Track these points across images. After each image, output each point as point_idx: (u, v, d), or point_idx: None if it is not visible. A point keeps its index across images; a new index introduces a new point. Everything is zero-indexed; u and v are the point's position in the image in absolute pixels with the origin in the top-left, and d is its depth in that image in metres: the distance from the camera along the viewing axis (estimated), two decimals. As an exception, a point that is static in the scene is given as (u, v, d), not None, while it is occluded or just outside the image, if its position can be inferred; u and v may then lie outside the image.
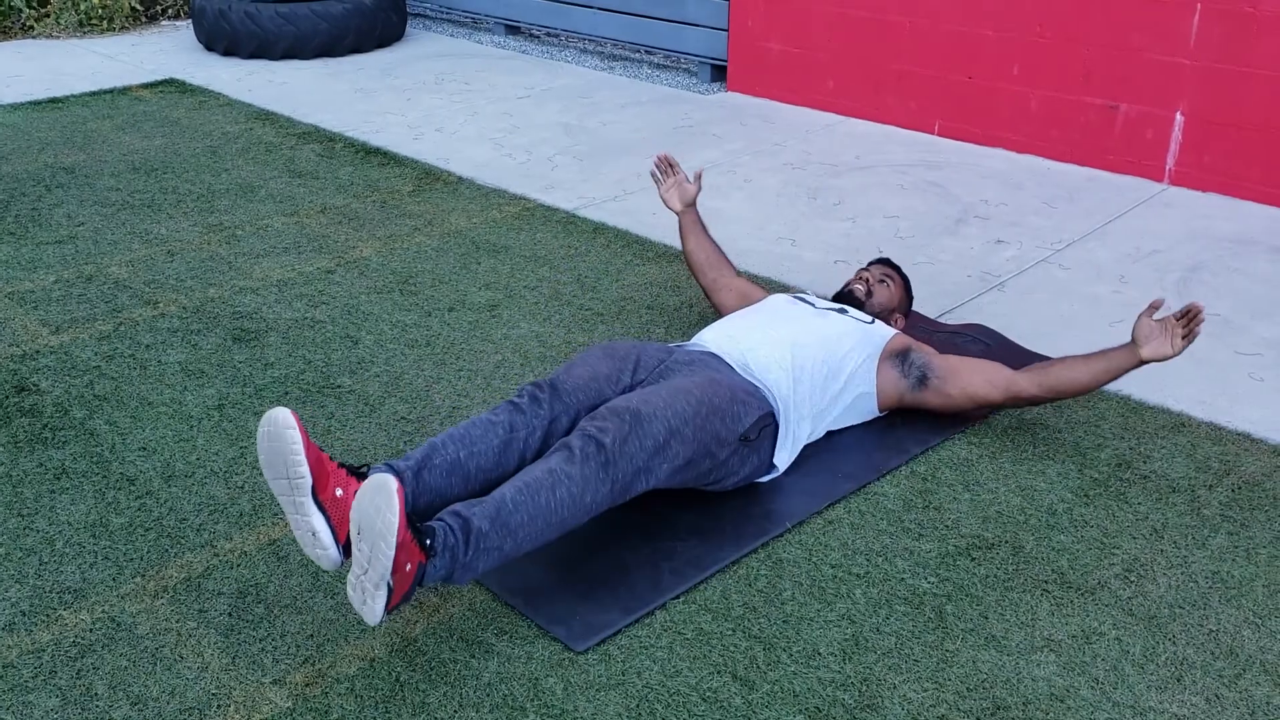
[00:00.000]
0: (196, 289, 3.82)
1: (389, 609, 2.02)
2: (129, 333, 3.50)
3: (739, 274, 3.43)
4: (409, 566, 2.02)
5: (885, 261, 3.30)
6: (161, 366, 3.30)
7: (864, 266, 3.29)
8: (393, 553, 1.96)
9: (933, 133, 5.52)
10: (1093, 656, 2.23)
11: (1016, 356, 3.34)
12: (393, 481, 1.98)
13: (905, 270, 3.51)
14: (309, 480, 2.09)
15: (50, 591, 2.38)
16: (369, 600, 2.01)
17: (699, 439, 2.46)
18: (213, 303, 3.72)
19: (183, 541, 2.54)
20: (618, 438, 2.33)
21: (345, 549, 2.15)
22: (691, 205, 3.51)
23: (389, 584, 1.99)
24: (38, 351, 3.39)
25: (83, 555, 2.49)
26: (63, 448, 2.90)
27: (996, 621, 2.32)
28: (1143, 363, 2.75)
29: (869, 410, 2.96)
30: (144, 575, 2.43)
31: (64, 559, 2.48)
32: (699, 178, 3.51)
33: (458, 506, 2.18)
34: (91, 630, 2.27)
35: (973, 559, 2.50)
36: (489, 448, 2.40)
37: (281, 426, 2.09)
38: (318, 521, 2.11)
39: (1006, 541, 2.56)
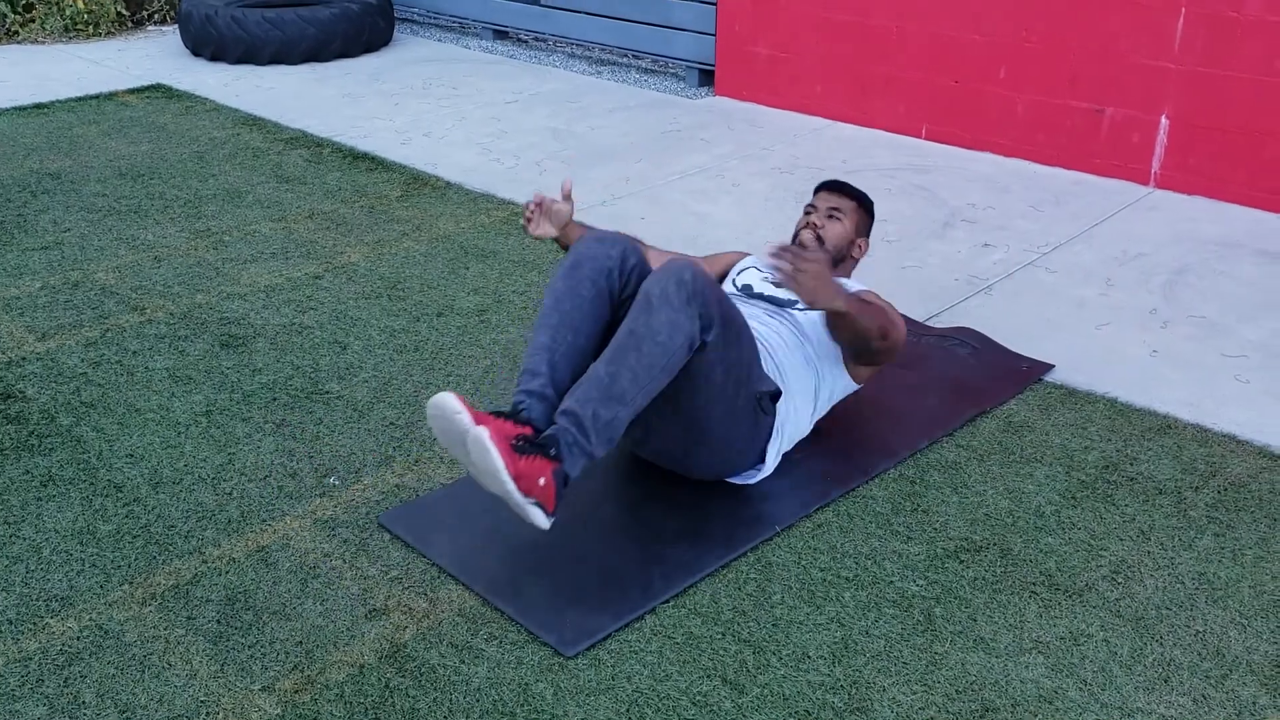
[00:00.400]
0: (184, 295, 3.81)
1: (550, 513, 2.29)
2: (116, 339, 3.49)
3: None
4: (543, 480, 2.25)
5: (831, 187, 3.10)
6: (149, 373, 3.30)
7: (810, 201, 3.09)
8: (513, 485, 2.21)
9: (920, 136, 5.53)
10: (1081, 658, 2.23)
11: (1003, 359, 3.35)
12: (484, 433, 2.20)
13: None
14: (512, 484, 2.24)
15: (37, 599, 2.37)
16: (529, 518, 2.28)
17: (748, 351, 2.55)
18: (200, 309, 3.71)
19: (170, 549, 2.53)
20: (696, 274, 2.40)
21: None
22: (567, 223, 2.96)
23: (534, 501, 2.25)
24: (24, 358, 3.37)
25: (70, 563, 2.48)
26: (49, 454, 2.89)
27: (985, 624, 2.32)
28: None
29: (848, 385, 2.95)
30: (132, 583, 2.42)
31: (51, 566, 2.47)
32: (568, 194, 2.94)
33: (566, 403, 2.34)
34: (79, 638, 2.26)
35: (961, 561, 2.51)
36: (585, 315, 2.50)
37: (450, 412, 2.27)
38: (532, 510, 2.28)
39: (994, 544, 2.57)
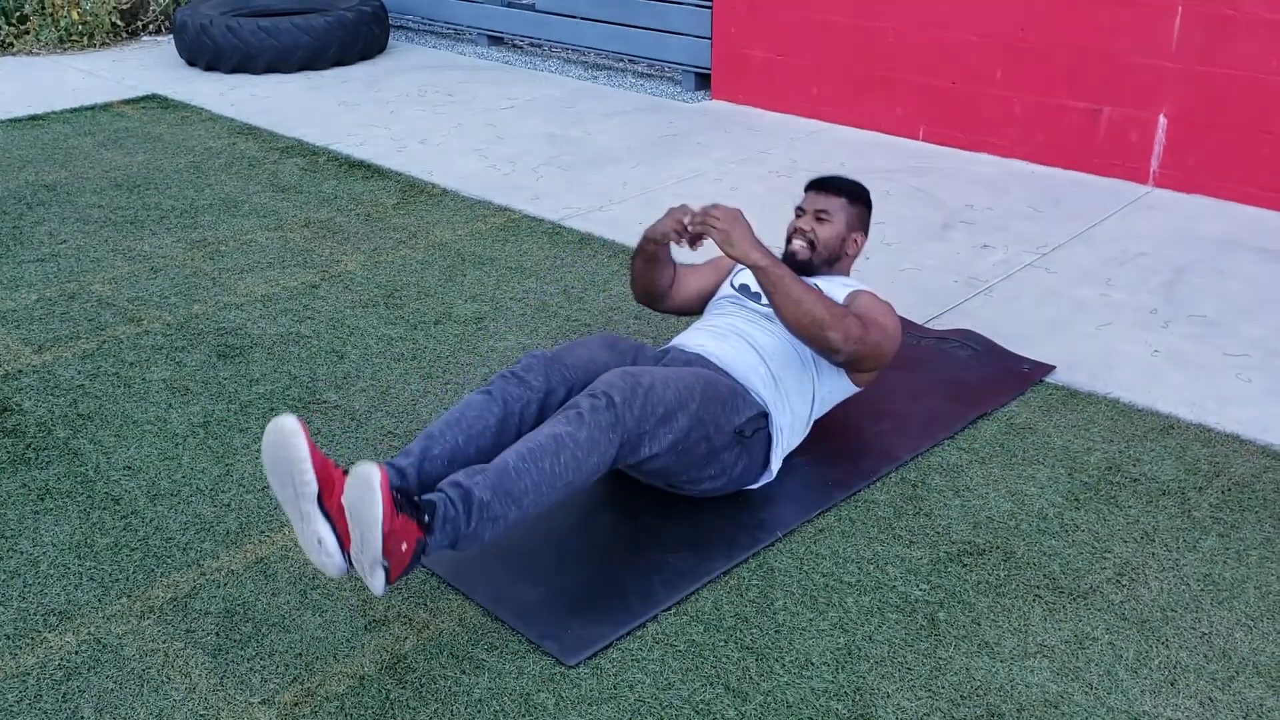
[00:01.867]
0: (180, 305, 3.79)
1: (390, 582, 2.06)
2: (112, 350, 3.48)
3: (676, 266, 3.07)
4: (405, 546, 2.05)
5: (818, 186, 3.00)
6: (145, 384, 3.28)
7: (799, 204, 3.01)
8: (379, 541, 2.00)
9: (917, 138, 5.52)
10: (1086, 662, 2.22)
11: (1003, 361, 3.33)
12: (376, 473, 2.00)
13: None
14: (315, 488, 2.08)
15: (35, 614, 2.35)
16: (369, 577, 2.06)
17: (700, 416, 2.48)
18: (197, 319, 3.69)
19: (169, 561, 2.51)
20: (628, 398, 2.34)
21: (350, 555, 2.13)
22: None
23: (384, 565, 2.03)
24: (20, 371, 3.36)
25: (67, 576, 2.47)
26: (46, 468, 2.87)
27: (989, 628, 2.31)
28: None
29: (846, 387, 2.91)
30: (130, 596, 2.40)
31: (48, 580, 2.46)
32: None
33: (459, 476, 2.20)
34: (77, 652, 2.24)
35: (964, 565, 2.49)
36: (486, 427, 2.39)
37: (288, 435, 2.07)
38: (323, 529, 2.09)
39: (998, 547, 2.55)
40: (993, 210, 4.60)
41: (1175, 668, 2.20)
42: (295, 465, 2.06)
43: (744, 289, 2.98)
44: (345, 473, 2.13)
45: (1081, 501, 2.71)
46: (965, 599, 2.39)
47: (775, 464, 2.73)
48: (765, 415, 2.67)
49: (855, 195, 2.99)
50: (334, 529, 2.09)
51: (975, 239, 4.31)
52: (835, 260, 2.98)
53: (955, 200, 4.71)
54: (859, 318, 2.70)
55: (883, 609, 2.36)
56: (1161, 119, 4.75)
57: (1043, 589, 2.42)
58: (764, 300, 2.84)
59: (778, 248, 2.75)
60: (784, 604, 2.37)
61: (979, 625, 2.32)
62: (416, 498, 2.12)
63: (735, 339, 2.78)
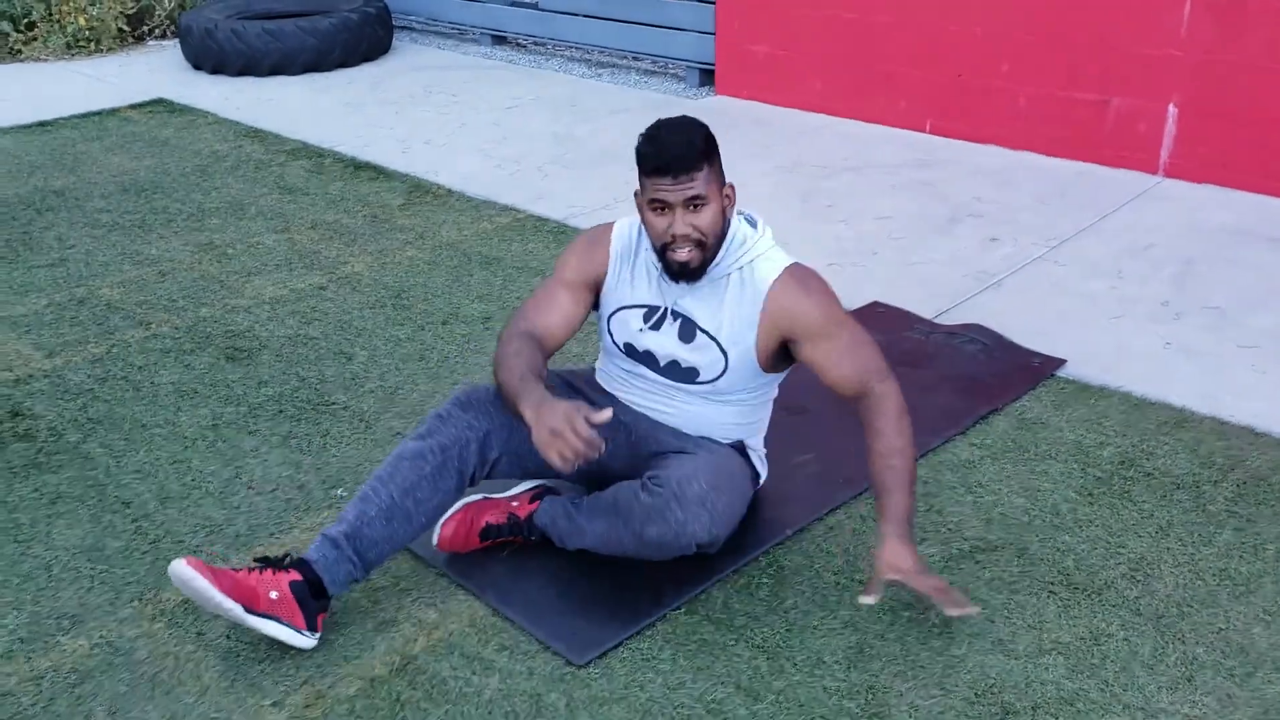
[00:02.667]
0: (188, 308, 3.79)
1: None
2: (121, 354, 3.48)
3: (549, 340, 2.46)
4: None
5: (668, 165, 2.21)
6: (155, 387, 3.28)
7: (652, 196, 2.25)
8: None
9: (923, 131, 5.50)
10: (1102, 658, 2.20)
11: (1014, 355, 3.32)
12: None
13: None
14: (240, 607, 2.15)
15: (48, 618, 2.35)
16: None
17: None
18: (205, 322, 3.69)
19: (179, 565, 2.51)
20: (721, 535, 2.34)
21: (313, 625, 2.22)
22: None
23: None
24: (30, 376, 3.36)
25: (80, 580, 2.46)
26: (58, 472, 2.87)
27: (1003, 625, 2.29)
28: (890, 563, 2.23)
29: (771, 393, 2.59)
30: (141, 599, 2.40)
31: (61, 584, 2.45)
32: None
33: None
34: (90, 656, 2.24)
35: (977, 562, 2.48)
36: (421, 477, 2.29)
37: (188, 580, 2.12)
38: (272, 628, 2.19)
39: (1011, 543, 2.54)
40: (1001, 203, 4.58)
41: (1192, 664, 2.18)
42: (210, 600, 2.14)
43: (635, 352, 2.45)
44: (260, 568, 2.23)
45: (1095, 496, 2.70)
46: (979, 596, 2.37)
47: (763, 471, 2.62)
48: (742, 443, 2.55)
49: (705, 149, 2.26)
50: (282, 622, 2.19)
51: (983, 232, 4.29)
52: (721, 237, 2.34)
53: (963, 194, 4.69)
54: (864, 354, 2.33)
55: (895, 606, 2.34)
56: (1171, 109, 4.72)
57: (1057, 585, 2.40)
58: (662, 365, 2.43)
59: (779, 244, 2.40)
60: (795, 602, 2.36)
61: (993, 622, 2.30)
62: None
63: (685, 420, 2.49)
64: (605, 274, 2.47)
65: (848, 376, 2.31)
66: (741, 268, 2.36)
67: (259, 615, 2.16)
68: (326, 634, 2.28)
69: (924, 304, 3.69)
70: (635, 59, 7.07)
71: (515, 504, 2.49)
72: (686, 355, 2.40)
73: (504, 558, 2.47)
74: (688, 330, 2.38)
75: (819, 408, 2.92)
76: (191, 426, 3.07)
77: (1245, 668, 2.17)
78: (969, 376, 3.21)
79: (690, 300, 2.38)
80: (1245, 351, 3.35)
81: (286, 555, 2.28)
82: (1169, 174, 4.80)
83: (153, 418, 3.12)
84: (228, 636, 2.29)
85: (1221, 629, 2.27)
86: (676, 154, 2.22)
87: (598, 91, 6.49)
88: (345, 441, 2.99)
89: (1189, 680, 2.14)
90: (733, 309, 2.36)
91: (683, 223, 2.24)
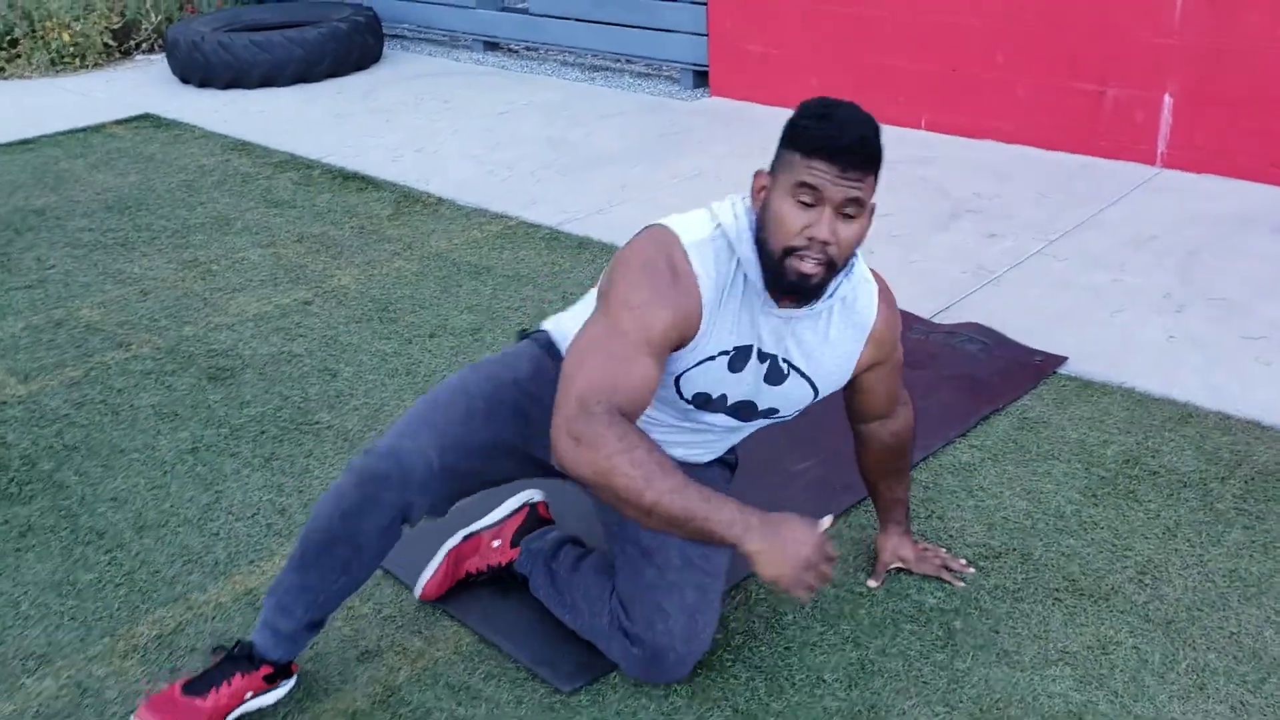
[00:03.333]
0: (170, 328, 3.71)
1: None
2: (100, 377, 3.40)
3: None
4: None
5: (849, 154, 1.80)
6: (134, 411, 3.20)
7: (802, 179, 1.80)
8: None
9: (919, 127, 5.41)
10: (1110, 668, 2.12)
11: (1014, 353, 3.23)
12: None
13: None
14: None
15: (13, 659, 2.27)
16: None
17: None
18: (187, 341, 3.61)
19: (154, 596, 2.43)
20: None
21: (284, 672, 2.09)
22: None
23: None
24: (4, 403, 3.28)
25: (48, 617, 2.38)
26: (29, 503, 2.79)
27: (1008, 635, 2.21)
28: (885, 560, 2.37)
29: None
30: (113, 635, 2.32)
31: (29, 622, 2.37)
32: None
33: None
34: (57, 698, 2.16)
35: (980, 569, 2.39)
36: (343, 565, 1.99)
37: None
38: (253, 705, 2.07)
39: (1014, 549, 2.45)
40: (999, 198, 4.49)
41: (1204, 670, 2.10)
42: None
43: (705, 401, 2.05)
44: (204, 674, 2.05)
45: (1099, 497, 2.61)
46: (982, 605, 2.29)
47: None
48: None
49: (881, 153, 1.89)
50: (252, 694, 2.05)
51: (983, 228, 4.21)
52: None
53: (961, 189, 4.60)
54: (900, 376, 2.22)
55: (896, 619, 2.26)
56: (1167, 98, 4.63)
57: (1062, 592, 2.32)
58: (730, 404, 2.06)
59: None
60: (793, 618, 2.28)
61: (997, 633, 2.22)
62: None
63: (701, 451, 2.22)
64: (697, 332, 1.93)
65: (888, 398, 2.20)
66: (844, 296, 2.02)
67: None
68: (305, 665, 2.19)
69: (923, 301, 3.60)
70: (628, 62, 6.98)
71: (496, 544, 2.35)
72: (769, 398, 2.05)
73: (487, 582, 2.38)
74: (776, 372, 2.01)
75: (815, 413, 2.83)
76: (171, 451, 2.99)
77: (1258, 673, 2.09)
78: (969, 376, 3.12)
79: (789, 336, 1.99)
80: (1251, 343, 3.26)
81: (237, 644, 2.07)
82: (1167, 164, 4.71)
83: (131, 443, 3.04)
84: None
85: (1233, 633, 2.18)
86: (856, 142, 1.81)
87: (591, 95, 6.41)
88: (328, 462, 2.91)
89: (1201, 688, 2.06)
90: (837, 345, 2.04)
91: (828, 227, 1.80)
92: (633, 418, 1.83)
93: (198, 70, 6.94)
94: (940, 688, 2.09)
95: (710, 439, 2.17)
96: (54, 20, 7.56)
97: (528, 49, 7.53)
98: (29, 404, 3.26)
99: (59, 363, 3.50)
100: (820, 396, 2.10)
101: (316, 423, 3.09)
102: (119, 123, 6.29)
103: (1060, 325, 3.42)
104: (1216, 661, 2.12)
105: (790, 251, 1.83)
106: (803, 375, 2.04)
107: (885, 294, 2.10)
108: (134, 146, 5.83)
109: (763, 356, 1.99)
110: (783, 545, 1.75)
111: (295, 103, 6.57)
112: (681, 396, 2.02)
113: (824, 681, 2.12)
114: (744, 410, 2.07)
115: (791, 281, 1.85)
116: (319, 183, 5.13)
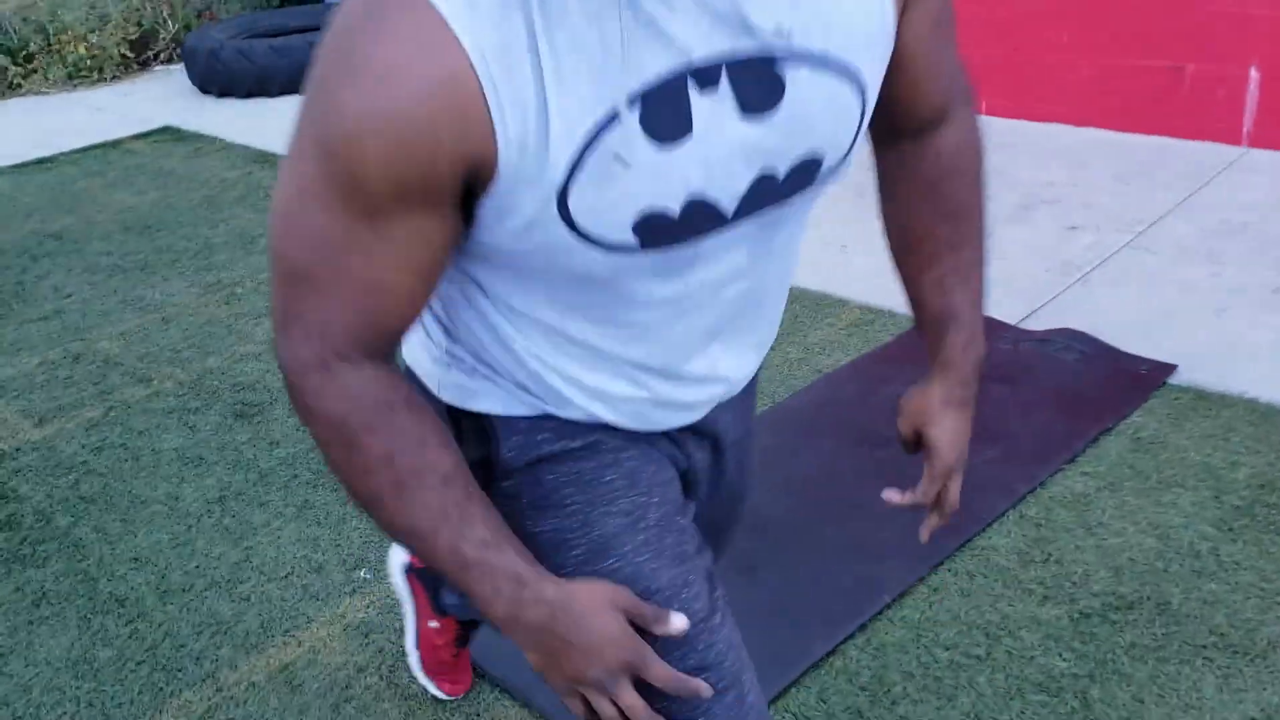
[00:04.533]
0: (194, 359, 3.45)
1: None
2: (120, 418, 3.14)
3: None
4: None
5: None
6: (155, 455, 2.94)
7: None
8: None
9: (981, 112, 5.08)
10: (1282, 745, 1.82)
11: (1116, 363, 2.92)
12: None
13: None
14: None
15: (23, 758, 2.02)
16: None
17: None
18: (211, 374, 3.35)
19: (180, 676, 2.17)
20: None
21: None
22: None
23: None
24: (18, 449, 3.03)
25: (63, 703, 2.12)
26: (43, 566, 2.53)
27: (1154, 705, 1.91)
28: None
29: None
30: (134, 725, 2.06)
31: (41, 710, 2.11)
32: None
33: None
34: (71, 806, 1.91)
35: (1113, 624, 2.10)
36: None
37: None
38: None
39: (1148, 598, 2.15)
40: (1075, 186, 4.17)
41: (1393, 746, 1.80)
42: None
43: (659, 223, 0.98)
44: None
45: (1236, 531, 2.31)
46: (1120, 668, 1.99)
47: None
48: None
49: None
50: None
51: (1060, 220, 3.89)
52: None
53: (1032, 178, 4.28)
54: (956, 53, 1.26)
55: (1023, 688, 1.97)
56: (1253, 72, 4.30)
57: (1211, 649, 2.02)
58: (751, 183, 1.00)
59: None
60: (904, 689, 1.99)
61: (1142, 703, 1.92)
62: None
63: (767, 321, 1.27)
64: (493, 134, 0.87)
65: (941, 74, 1.24)
66: None
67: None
68: (351, 759, 1.93)
69: (1005, 306, 3.29)
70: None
71: None
72: (775, 137, 0.97)
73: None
74: (757, 73, 0.93)
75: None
76: (196, 500, 2.73)
77: None
78: (1071, 391, 2.82)
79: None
80: (1382, 343, 2.94)
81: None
82: (1254, 144, 4.37)
83: (153, 492, 2.78)
84: (236, 766, 1.94)
85: None
86: None
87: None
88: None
89: (1396, 771, 1.76)
90: None
91: None
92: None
93: (217, 79, 6.69)
94: (1083, 771, 1.80)
95: (713, 317, 1.12)
96: (70, 33, 7.34)
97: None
98: (44, 450, 3.01)
99: (76, 402, 3.24)
100: (868, 98, 1.04)
101: (353, 463, 2.82)
102: (137, 137, 6.05)
103: (1161, 328, 3.11)
104: (1402, 730, 1.82)
105: None
106: (821, 61, 0.97)
107: None
108: (153, 162, 5.59)
109: (709, 75, 0.91)
110: (570, 648, 1.05)
111: (319, 109, 6.30)
112: (588, 234, 0.94)
113: (946, 765, 1.83)
114: (755, 198, 1.00)
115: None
116: (346, 194, 4.85)
